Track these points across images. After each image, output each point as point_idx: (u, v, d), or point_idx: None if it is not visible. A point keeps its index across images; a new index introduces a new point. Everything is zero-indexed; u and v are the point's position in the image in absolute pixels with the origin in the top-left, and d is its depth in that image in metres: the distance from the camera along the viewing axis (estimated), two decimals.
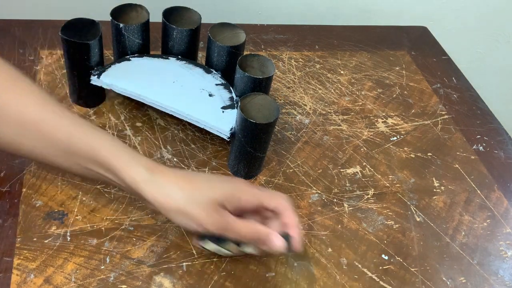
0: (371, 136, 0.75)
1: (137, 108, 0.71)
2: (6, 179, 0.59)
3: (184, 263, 0.55)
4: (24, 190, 0.58)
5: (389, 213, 0.65)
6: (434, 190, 0.69)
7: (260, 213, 0.53)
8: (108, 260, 0.54)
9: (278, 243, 0.49)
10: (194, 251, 0.56)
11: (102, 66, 0.67)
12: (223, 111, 0.65)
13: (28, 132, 0.48)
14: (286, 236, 0.50)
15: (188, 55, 0.71)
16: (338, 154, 0.71)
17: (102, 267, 0.53)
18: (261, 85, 0.64)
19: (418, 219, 0.65)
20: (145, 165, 0.49)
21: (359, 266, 0.58)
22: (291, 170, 0.67)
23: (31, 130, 0.48)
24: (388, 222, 0.64)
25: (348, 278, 0.57)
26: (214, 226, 0.48)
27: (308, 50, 0.89)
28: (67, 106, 0.69)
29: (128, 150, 0.50)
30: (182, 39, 0.69)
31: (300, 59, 0.87)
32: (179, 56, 0.71)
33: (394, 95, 0.84)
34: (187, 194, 0.48)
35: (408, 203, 0.67)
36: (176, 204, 0.48)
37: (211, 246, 0.51)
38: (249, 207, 0.51)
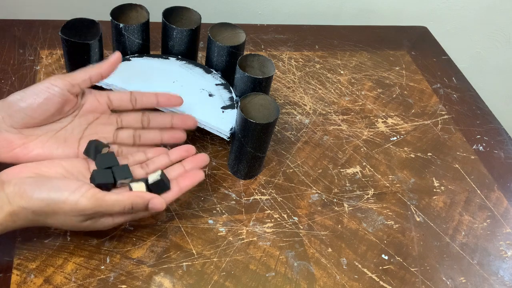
0: (371, 136, 0.75)
1: None
2: None
3: (184, 263, 0.55)
4: None
5: (389, 213, 0.65)
6: (434, 190, 0.69)
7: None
8: (108, 260, 0.54)
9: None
10: (194, 251, 0.56)
11: None
12: (223, 111, 0.65)
13: None
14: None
15: (188, 55, 0.71)
16: (338, 154, 0.71)
17: (102, 267, 0.53)
18: (261, 85, 0.64)
19: (418, 219, 0.65)
20: None
21: (359, 266, 0.58)
22: (291, 170, 0.67)
23: None
24: (388, 222, 0.64)
25: (348, 278, 0.57)
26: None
27: (308, 50, 0.89)
28: None
29: None
30: (182, 39, 0.69)
31: (300, 59, 0.87)
32: (179, 56, 0.71)
33: (394, 95, 0.84)
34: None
35: (408, 203, 0.67)
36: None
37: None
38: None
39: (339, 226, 0.62)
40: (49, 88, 0.51)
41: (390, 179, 0.69)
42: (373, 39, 0.96)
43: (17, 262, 0.52)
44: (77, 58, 0.63)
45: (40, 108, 0.51)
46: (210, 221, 0.59)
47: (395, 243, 0.61)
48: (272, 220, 0.61)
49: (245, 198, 0.62)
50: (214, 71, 0.70)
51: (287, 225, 0.61)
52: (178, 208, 0.60)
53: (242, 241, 0.58)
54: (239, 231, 0.59)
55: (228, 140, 0.64)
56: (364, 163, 0.70)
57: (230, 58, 0.68)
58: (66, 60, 0.64)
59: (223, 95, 0.67)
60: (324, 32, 0.94)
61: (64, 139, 0.54)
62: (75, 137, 0.55)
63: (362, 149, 0.73)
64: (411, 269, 0.59)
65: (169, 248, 0.56)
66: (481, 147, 0.77)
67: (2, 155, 0.51)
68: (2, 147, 0.50)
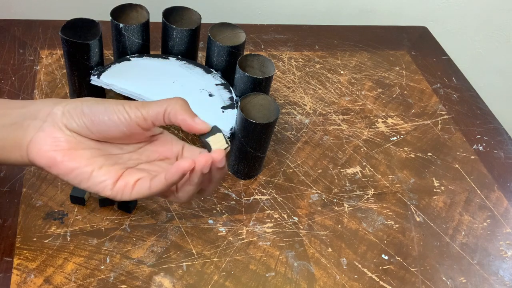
0: (371, 136, 0.75)
1: None
2: (6, 179, 0.59)
3: (184, 263, 0.55)
4: (24, 190, 0.58)
5: (389, 213, 0.65)
6: (434, 190, 0.69)
7: None
8: (108, 260, 0.54)
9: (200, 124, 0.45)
10: (194, 251, 0.56)
11: (102, 66, 0.67)
12: (223, 111, 0.65)
13: None
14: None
15: (188, 55, 0.71)
16: (338, 154, 0.71)
17: (102, 267, 0.53)
18: (261, 85, 0.64)
19: (418, 219, 0.65)
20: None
21: (359, 266, 0.58)
22: (291, 170, 0.67)
23: None
24: (388, 222, 0.64)
25: (348, 278, 0.57)
26: (138, 103, 0.44)
27: (308, 50, 0.89)
28: None
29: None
30: (182, 39, 0.69)
31: (300, 59, 0.87)
32: (179, 56, 0.71)
33: (394, 95, 0.84)
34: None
35: (408, 203, 0.67)
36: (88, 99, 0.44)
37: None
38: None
39: (339, 226, 0.62)
40: (120, 112, 0.44)
41: (390, 179, 0.69)
42: (373, 39, 0.96)
43: (17, 262, 0.52)
44: (77, 58, 0.63)
45: (101, 126, 0.44)
46: (210, 221, 0.59)
47: (395, 243, 0.61)
48: (272, 220, 0.61)
49: (245, 198, 0.62)
50: (214, 71, 0.70)
51: (287, 225, 0.61)
52: (178, 208, 0.60)
53: (242, 241, 0.58)
54: (239, 231, 0.59)
55: (228, 140, 0.64)
56: (364, 163, 0.70)
57: (230, 58, 0.68)
58: (66, 60, 0.64)
59: (223, 95, 0.67)
60: (324, 32, 0.94)
61: (114, 162, 0.46)
62: (125, 165, 0.46)
63: (362, 149, 0.72)
64: (411, 269, 0.59)
65: (169, 248, 0.56)
66: (481, 147, 0.77)
67: (38, 153, 0.43)
68: (45, 144, 0.43)
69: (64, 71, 0.74)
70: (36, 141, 0.43)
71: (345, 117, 0.77)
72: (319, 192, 0.65)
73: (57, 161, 0.43)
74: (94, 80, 0.65)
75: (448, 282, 0.59)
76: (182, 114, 0.44)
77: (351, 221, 0.63)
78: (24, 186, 0.58)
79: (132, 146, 0.47)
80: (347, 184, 0.67)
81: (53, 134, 0.43)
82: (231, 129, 0.63)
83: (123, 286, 0.52)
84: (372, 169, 0.70)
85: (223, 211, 0.60)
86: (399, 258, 0.60)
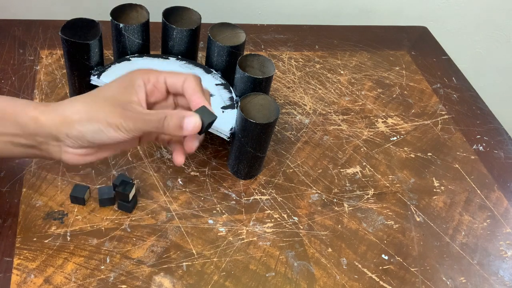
0: (371, 136, 0.75)
1: None
2: (6, 179, 0.59)
3: (184, 263, 0.55)
4: (24, 190, 0.58)
5: (389, 213, 0.65)
6: (434, 190, 0.69)
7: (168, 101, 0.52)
8: (108, 260, 0.54)
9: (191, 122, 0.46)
10: (194, 251, 0.56)
11: (102, 66, 0.67)
12: (223, 111, 0.65)
13: None
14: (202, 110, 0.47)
15: (188, 55, 0.71)
16: (338, 154, 0.71)
17: (102, 267, 0.53)
18: (261, 85, 0.64)
19: (418, 219, 0.65)
20: (38, 104, 0.48)
21: (359, 266, 0.58)
22: (291, 170, 0.67)
23: None
24: (388, 222, 0.64)
25: (348, 278, 0.57)
26: (130, 122, 0.45)
27: (308, 50, 0.89)
28: None
29: (20, 99, 0.49)
30: (182, 39, 0.69)
31: (300, 59, 0.87)
32: (179, 56, 0.71)
33: (394, 95, 0.84)
34: (88, 103, 0.47)
35: (408, 203, 0.67)
36: (80, 114, 0.46)
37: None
38: (156, 93, 0.50)
39: (339, 226, 0.62)
40: (123, 139, 0.47)
41: (390, 179, 0.69)
42: (373, 39, 0.96)
43: (17, 262, 0.52)
44: (77, 58, 0.63)
45: (102, 143, 0.48)
46: (210, 221, 0.59)
47: (395, 243, 0.61)
48: (272, 220, 0.61)
49: (245, 198, 0.62)
50: (214, 71, 0.70)
51: (287, 225, 0.61)
52: (178, 208, 0.60)
53: (242, 241, 0.58)
54: (239, 231, 0.59)
55: (228, 140, 0.64)
56: (364, 163, 0.70)
57: (230, 58, 0.68)
58: (66, 60, 0.64)
59: (223, 95, 0.67)
60: (324, 32, 0.94)
61: None
62: None
63: (362, 149, 0.73)
64: (411, 269, 0.59)
65: (169, 248, 0.56)
66: (481, 147, 0.77)
67: (76, 164, 0.50)
68: (76, 160, 0.49)
69: (64, 71, 0.74)
70: (67, 160, 0.49)
71: (345, 117, 0.77)
72: (319, 192, 0.65)
73: (95, 163, 0.55)
74: (94, 80, 0.65)
75: (448, 282, 0.59)
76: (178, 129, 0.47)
77: (351, 221, 0.63)
78: (24, 186, 0.58)
79: None
80: (347, 184, 0.67)
81: (76, 151, 0.49)
82: (231, 129, 0.63)
83: (123, 286, 0.52)
84: (372, 169, 0.70)
85: (223, 211, 0.60)
86: (399, 258, 0.60)
